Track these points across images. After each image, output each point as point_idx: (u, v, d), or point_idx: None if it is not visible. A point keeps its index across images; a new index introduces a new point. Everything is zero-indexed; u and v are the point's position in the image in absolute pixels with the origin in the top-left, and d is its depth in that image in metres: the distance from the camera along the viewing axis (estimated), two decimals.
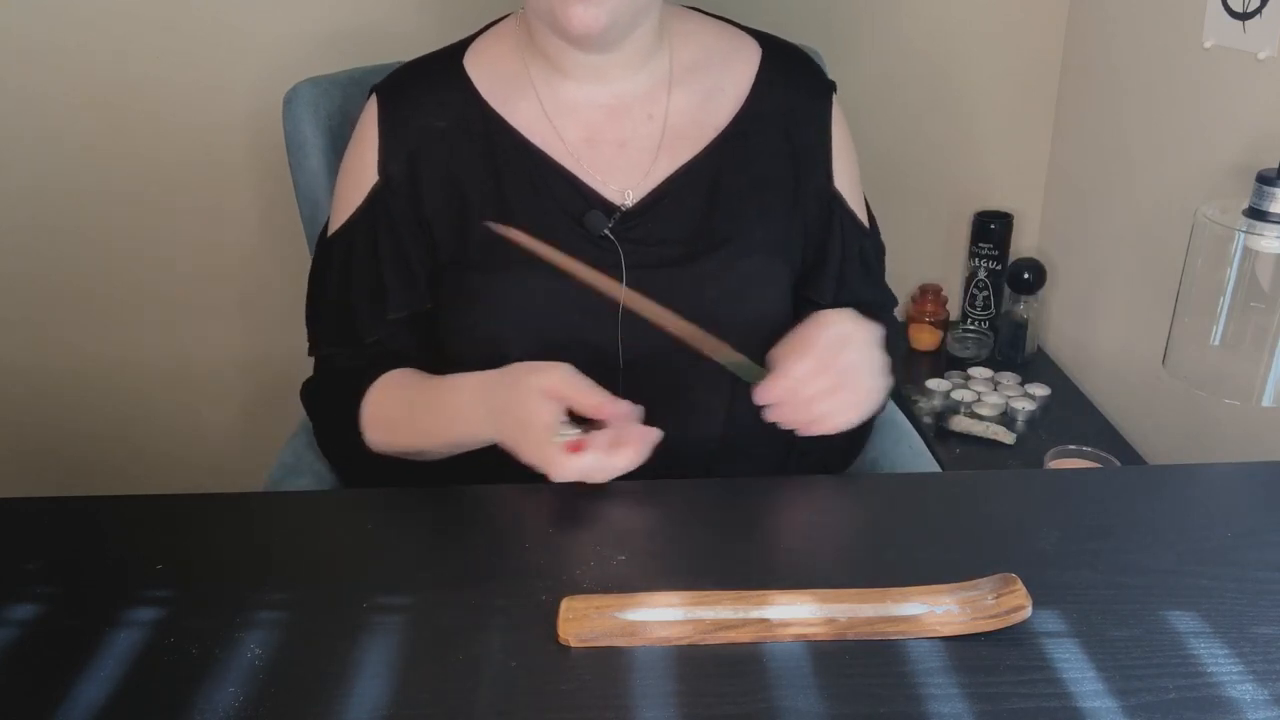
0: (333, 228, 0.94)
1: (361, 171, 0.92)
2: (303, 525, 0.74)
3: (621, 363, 0.90)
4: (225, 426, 1.62)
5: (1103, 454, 1.17)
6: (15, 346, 1.56)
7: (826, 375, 0.77)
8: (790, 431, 0.85)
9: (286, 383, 1.51)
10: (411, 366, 0.92)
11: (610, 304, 0.89)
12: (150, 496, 0.76)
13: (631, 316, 0.89)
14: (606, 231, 0.89)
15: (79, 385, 1.59)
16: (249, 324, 1.57)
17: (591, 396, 0.76)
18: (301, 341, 0.97)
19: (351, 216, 0.92)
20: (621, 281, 0.88)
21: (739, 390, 0.93)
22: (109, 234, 1.51)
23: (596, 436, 0.74)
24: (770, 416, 0.78)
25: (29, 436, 1.62)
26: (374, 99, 0.93)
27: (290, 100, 1.08)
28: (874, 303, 0.99)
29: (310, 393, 0.96)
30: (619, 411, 0.76)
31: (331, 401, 0.93)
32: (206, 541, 0.71)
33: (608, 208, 0.90)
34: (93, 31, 1.40)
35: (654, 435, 0.76)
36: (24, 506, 0.74)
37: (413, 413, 0.87)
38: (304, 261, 1.01)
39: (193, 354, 1.59)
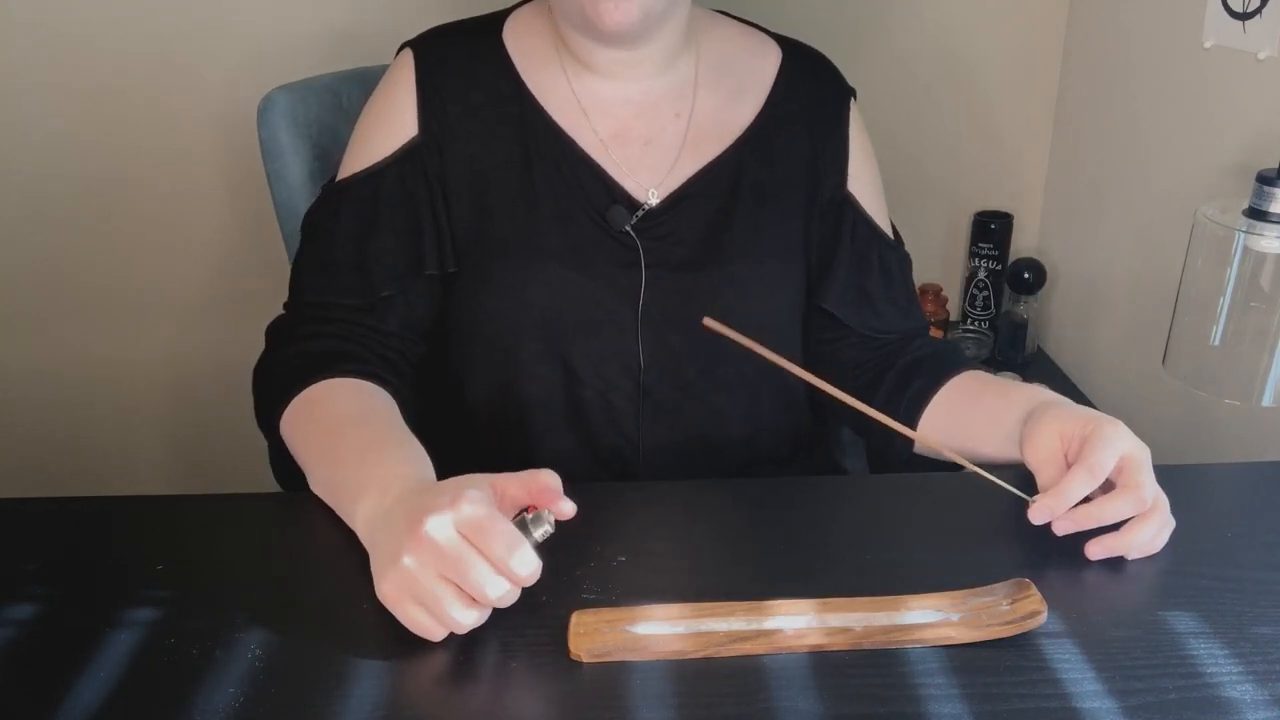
0: (349, 171, 0.90)
1: (396, 121, 0.89)
2: (303, 525, 0.74)
3: (642, 362, 0.89)
4: (224, 426, 1.62)
5: None
6: (14, 346, 1.56)
7: (1130, 500, 0.69)
8: (809, 432, 0.84)
9: None
10: (406, 336, 0.89)
11: (630, 305, 0.88)
12: (150, 496, 0.76)
13: (653, 315, 0.89)
14: (628, 228, 0.88)
15: (78, 385, 1.59)
16: (246, 323, 1.57)
17: (514, 481, 0.64)
18: None
19: (379, 163, 0.88)
20: (642, 279, 0.88)
21: (763, 391, 0.94)
22: (95, 231, 1.51)
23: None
24: (1090, 552, 0.69)
25: (29, 437, 1.62)
26: (408, 54, 0.90)
27: (265, 108, 1.03)
28: (910, 330, 0.98)
29: (282, 331, 0.88)
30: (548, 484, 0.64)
31: (296, 355, 0.84)
32: (206, 541, 0.71)
33: (631, 204, 0.89)
34: (78, 26, 1.39)
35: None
36: (24, 506, 0.74)
37: (322, 445, 0.76)
38: None
39: (188, 354, 1.59)
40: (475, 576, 0.58)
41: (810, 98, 0.95)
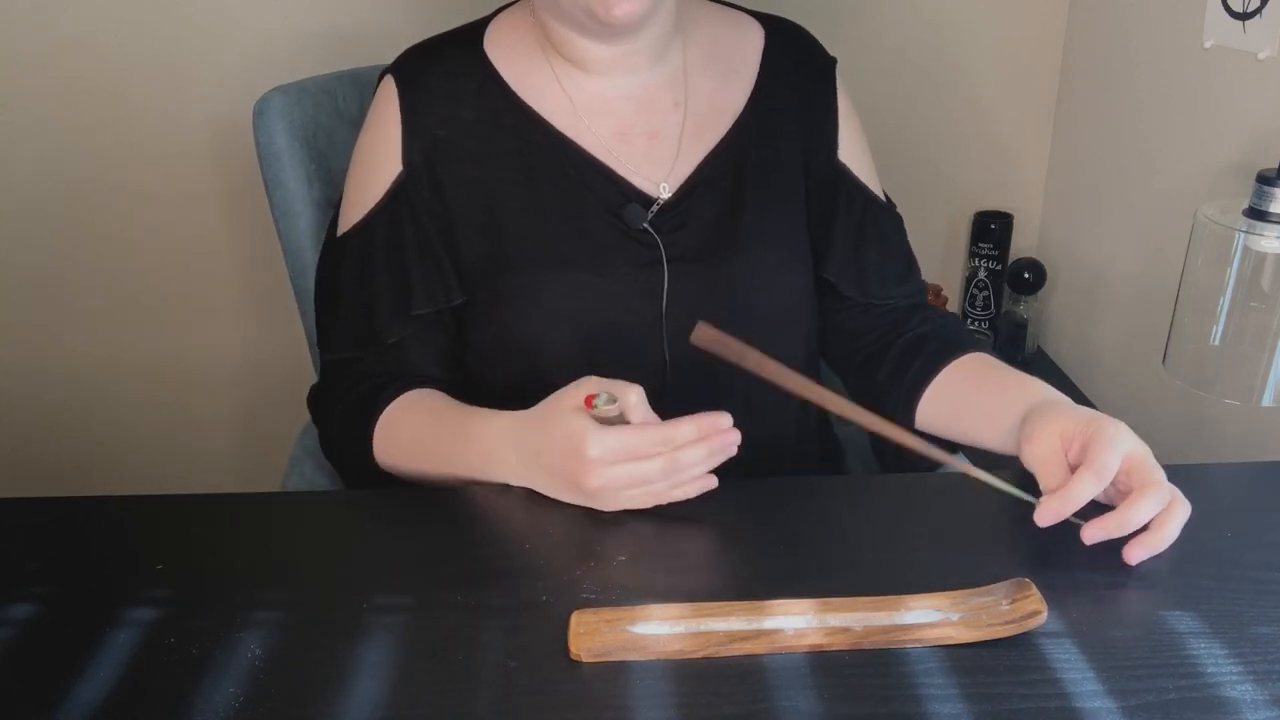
0: (347, 223, 0.89)
1: (382, 161, 0.88)
2: (303, 525, 0.74)
3: (668, 361, 0.88)
4: (225, 426, 1.62)
5: None
6: (12, 346, 1.56)
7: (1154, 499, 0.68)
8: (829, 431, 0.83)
9: (284, 382, 1.51)
10: (432, 374, 0.89)
11: (653, 301, 0.87)
12: (150, 496, 0.76)
13: (676, 311, 0.87)
14: (645, 225, 0.88)
15: (79, 385, 1.59)
16: (245, 324, 1.57)
17: (639, 412, 0.72)
18: (297, 341, 0.96)
19: (371, 210, 0.88)
20: (664, 275, 0.87)
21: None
22: (91, 232, 1.50)
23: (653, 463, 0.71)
24: (1129, 557, 0.68)
25: (29, 437, 1.62)
26: (390, 83, 0.89)
27: (261, 111, 1.02)
28: (909, 297, 0.97)
29: (319, 399, 0.92)
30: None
31: (343, 412, 0.88)
32: (206, 541, 0.71)
33: (644, 200, 0.88)
34: (71, 26, 1.39)
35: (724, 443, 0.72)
36: (24, 506, 0.74)
37: (428, 443, 0.82)
38: (297, 260, 1.00)
39: (190, 354, 1.59)
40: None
41: (795, 72, 0.95)
